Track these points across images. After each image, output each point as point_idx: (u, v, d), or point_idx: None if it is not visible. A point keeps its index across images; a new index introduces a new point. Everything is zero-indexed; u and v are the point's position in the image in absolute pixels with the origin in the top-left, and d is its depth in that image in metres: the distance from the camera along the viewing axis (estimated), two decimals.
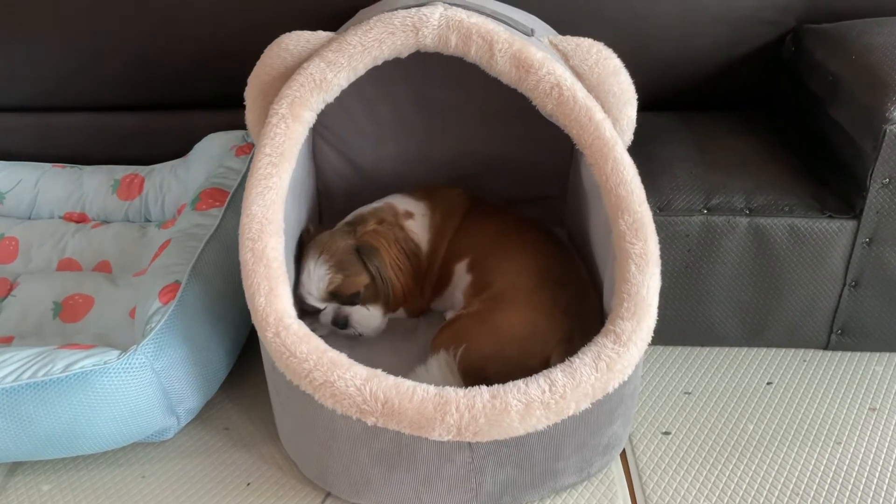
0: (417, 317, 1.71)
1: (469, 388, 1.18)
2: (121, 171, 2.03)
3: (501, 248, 1.59)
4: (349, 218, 1.67)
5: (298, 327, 1.24)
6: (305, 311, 1.60)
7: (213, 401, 1.52)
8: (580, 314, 1.47)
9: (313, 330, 1.22)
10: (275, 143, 1.34)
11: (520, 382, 1.18)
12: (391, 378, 1.19)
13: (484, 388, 1.18)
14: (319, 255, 1.54)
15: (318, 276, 1.53)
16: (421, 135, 1.74)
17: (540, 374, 1.20)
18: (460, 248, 1.65)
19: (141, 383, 1.28)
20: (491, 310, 1.48)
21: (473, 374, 1.34)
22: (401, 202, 1.69)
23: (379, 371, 1.20)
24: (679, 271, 1.62)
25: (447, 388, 1.18)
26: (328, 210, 1.89)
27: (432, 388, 1.17)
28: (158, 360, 1.30)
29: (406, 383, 1.18)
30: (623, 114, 1.43)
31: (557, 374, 1.20)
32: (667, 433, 1.49)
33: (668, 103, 1.93)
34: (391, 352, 1.61)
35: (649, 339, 1.26)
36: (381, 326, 1.61)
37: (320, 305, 1.56)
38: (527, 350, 1.41)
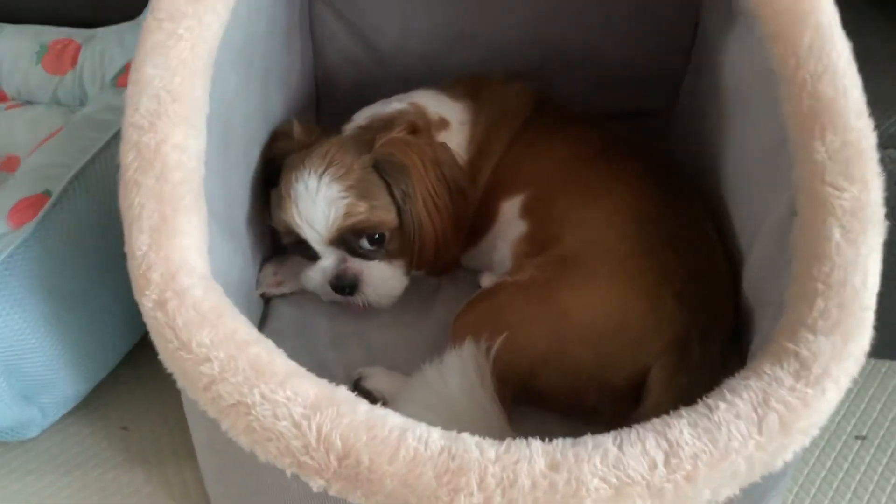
0: (439, 276, 1.13)
1: (507, 441, 0.61)
2: (50, 33, 1.53)
3: (579, 182, 1.01)
4: (361, 120, 1.10)
5: (204, 293, 0.68)
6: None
7: (107, 385, 0.97)
8: (704, 301, 0.89)
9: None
10: None
11: (606, 440, 0.62)
12: (361, 409, 0.64)
13: (537, 445, 0.61)
14: (325, 169, 0.97)
15: (327, 200, 0.97)
16: (468, 3, 1.22)
17: (647, 424, 0.63)
18: (513, 177, 1.07)
19: None
20: (554, 281, 0.91)
21: (514, 384, 0.88)
22: (432, 102, 1.12)
23: (341, 392, 0.65)
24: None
25: (463, 438, 0.62)
26: (328, 110, 1.34)
27: (436, 437, 0.62)
28: None
29: (388, 421, 0.62)
30: None
31: (681, 429, 0.62)
32: None
33: None
34: (392, 326, 1.06)
35: (857, 372, 0.67)
36: (400, 294, 1.06)
37: (320, 248, 1.00)
38: (610, 355, 0.86)
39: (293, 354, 1.00)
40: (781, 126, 0.77)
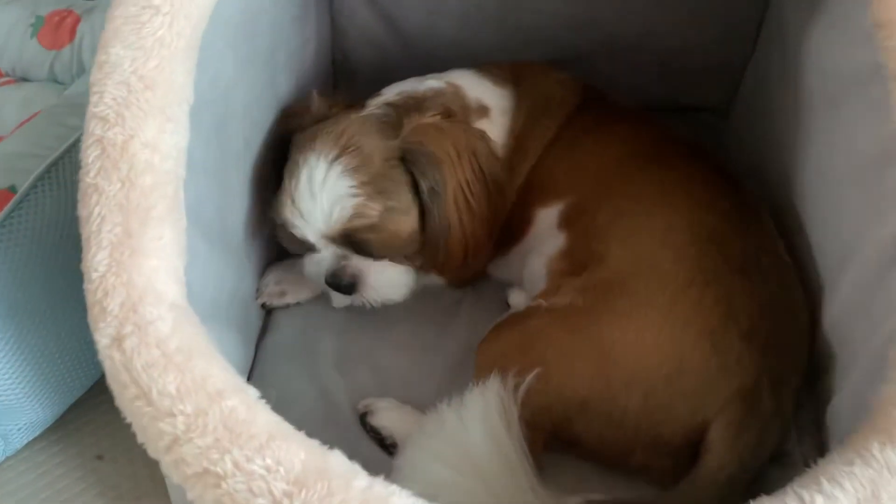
0: (463, 287, 1.00)
1: None
2: (47, 4, 1.38)
3: (629, 190, 0.87)
4: (391, 96, 0.95)
5: (172, 328, 0.55)
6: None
7: (82, 409, 0.86)
8: (777, 342, 0.75)
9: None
10: None
11: None
12: (357, 485, 0.51)
13: None
14: (339, 155, 0.84)
15: (334, 195, 0.83)
16: None
17: None
18: (553, 180, 0.93)
19: None
20: (597, 311, 0.77)
21: (547, 430, 0.76)
22: (472, 85, 0.97)
23: (334, 460, 0.52)
24: None
25: None
26: (345, 92, 1.18)
27: None
28: None
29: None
30: None
31: None
32: None
33: None
34: (407, 347, 0.94)
35: None
36: (406, 295, 0.92)
37: (317, 244, 0.87)
38: (663, 406, 0.73)
39: (292, 378, 0.90)
40: (890, 139, 0.63)
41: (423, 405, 0.84)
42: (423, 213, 0.86)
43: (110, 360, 0.54)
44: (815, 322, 0.79)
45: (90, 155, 0.59)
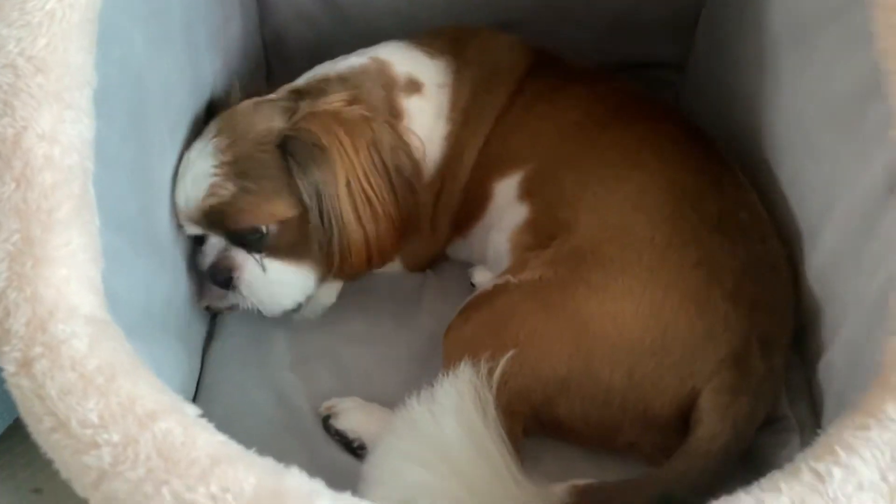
0: (421, 271, 0.93)
1: None
2: None
3: (593, 153, 0.82)
4: (302, 80, 0.90)
5: (90, 345, 0.48)
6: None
7: (16, 439, 0.78)
8: (763, 300, 0.71)
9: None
10: None
11: None
12: None
13: None
14: (216, 134, 0.80)
15: (195, 174, 0.78)
16: None
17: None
18: (509, 150, 0.87)
19: None
20: (570, 282, 0.72)
21: (526, 415, 0.71)
22: (401, 58, 0.90)
23: (292, 479, 0.45)
24: None
25: None
26: (282, 79, 1.09)
27: None
28: None
29: None
30: None
31: None
32: None
33: None
34: (366, 340, 0.88)
35: None
36: (291, 303, 0.83)
37: (192, 229, 0.81)
38: (648, 378, 0.68)
39: (245, 387, 0.83)
40: (871, 70, 0.58)
41: (390, 401, 0.77)
42: (306, 211, 0.79)
43: (19, 388, 0.47)
44: (797, 275, 0.75)
45: None
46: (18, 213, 0.50)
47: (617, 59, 1.13)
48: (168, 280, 0.76)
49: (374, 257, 0.82)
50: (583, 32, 1.09)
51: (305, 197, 0.77)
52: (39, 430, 0.46)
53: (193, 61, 0.83)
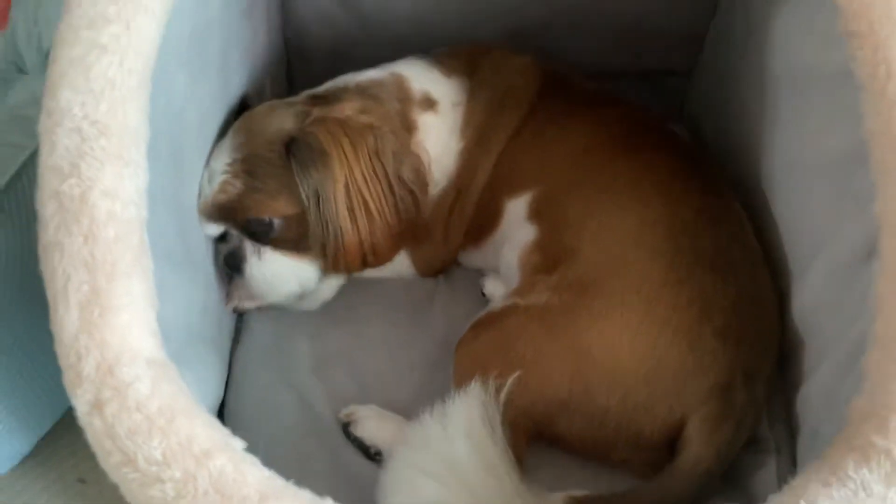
0: (433, 276, 0.99)
1: None
2: None
3: (598, 181, 0.87)
4: (322, 88, 0.95)
5: (152, 387, 0.54)
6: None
7: (62, 432, 0.86)
8: (749, 336, 0.77)
9: None
10: None
11: None
12: None
13: None
14: (234, 135, 0.87)
15: (211, 170, 0.86)
16: None
17: None
18: (519, 170, 0.92)
19: None
20: (573, 311, 0.78)
21: (529, 430, 0.78)
22: (419, 75, 0.95)
23: None
24: None
25: None
26: (304, 82, 1.13)
27: None
28: None
29: None
30: None
31: None
32: None
33: None
34: (382, 345, 0.94)
35: None
36: (288, 293, 0.90)
37: (209, 226, 0.88)
38: (642, 405, 0.75)
39: (270, 387, 0.89)
40: (860, 142, 0.63)
41: (404, 405, 0.85)
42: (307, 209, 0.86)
43: (91, 427, 0.53)
44: (783, 308, 0.81)
45: (48, 209, 0.56)
46: (86, 265, 0.55)
47: (625, 66, 1.17)
48: (202, 290, 0.82)
49: (369, 257, 0.88)
50: (592, 40, 1.12)
51: (304, 196, 0.83)
52: (109, 462, 0.53)
53: (225, 82, 0.87)
